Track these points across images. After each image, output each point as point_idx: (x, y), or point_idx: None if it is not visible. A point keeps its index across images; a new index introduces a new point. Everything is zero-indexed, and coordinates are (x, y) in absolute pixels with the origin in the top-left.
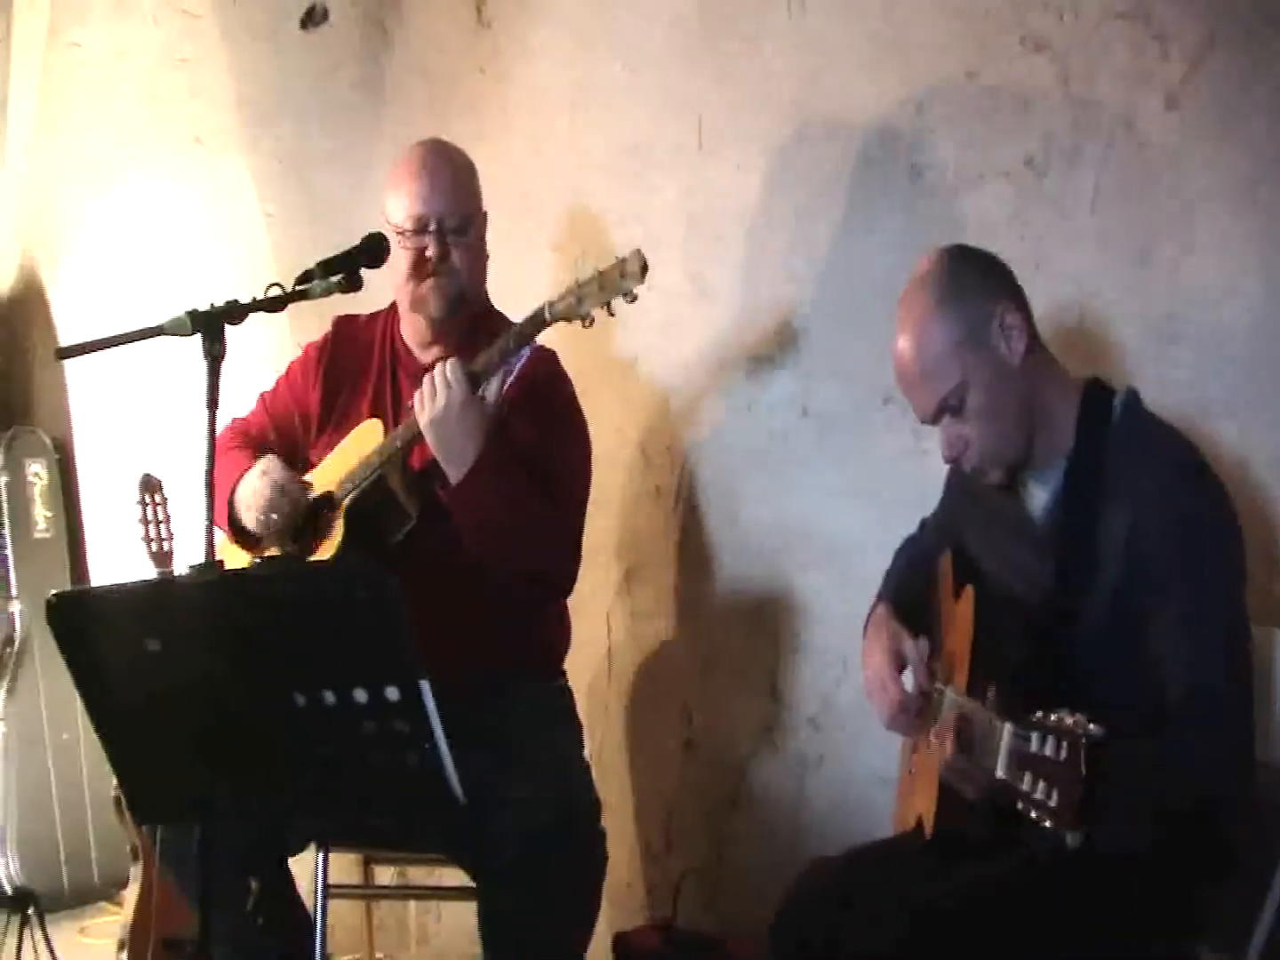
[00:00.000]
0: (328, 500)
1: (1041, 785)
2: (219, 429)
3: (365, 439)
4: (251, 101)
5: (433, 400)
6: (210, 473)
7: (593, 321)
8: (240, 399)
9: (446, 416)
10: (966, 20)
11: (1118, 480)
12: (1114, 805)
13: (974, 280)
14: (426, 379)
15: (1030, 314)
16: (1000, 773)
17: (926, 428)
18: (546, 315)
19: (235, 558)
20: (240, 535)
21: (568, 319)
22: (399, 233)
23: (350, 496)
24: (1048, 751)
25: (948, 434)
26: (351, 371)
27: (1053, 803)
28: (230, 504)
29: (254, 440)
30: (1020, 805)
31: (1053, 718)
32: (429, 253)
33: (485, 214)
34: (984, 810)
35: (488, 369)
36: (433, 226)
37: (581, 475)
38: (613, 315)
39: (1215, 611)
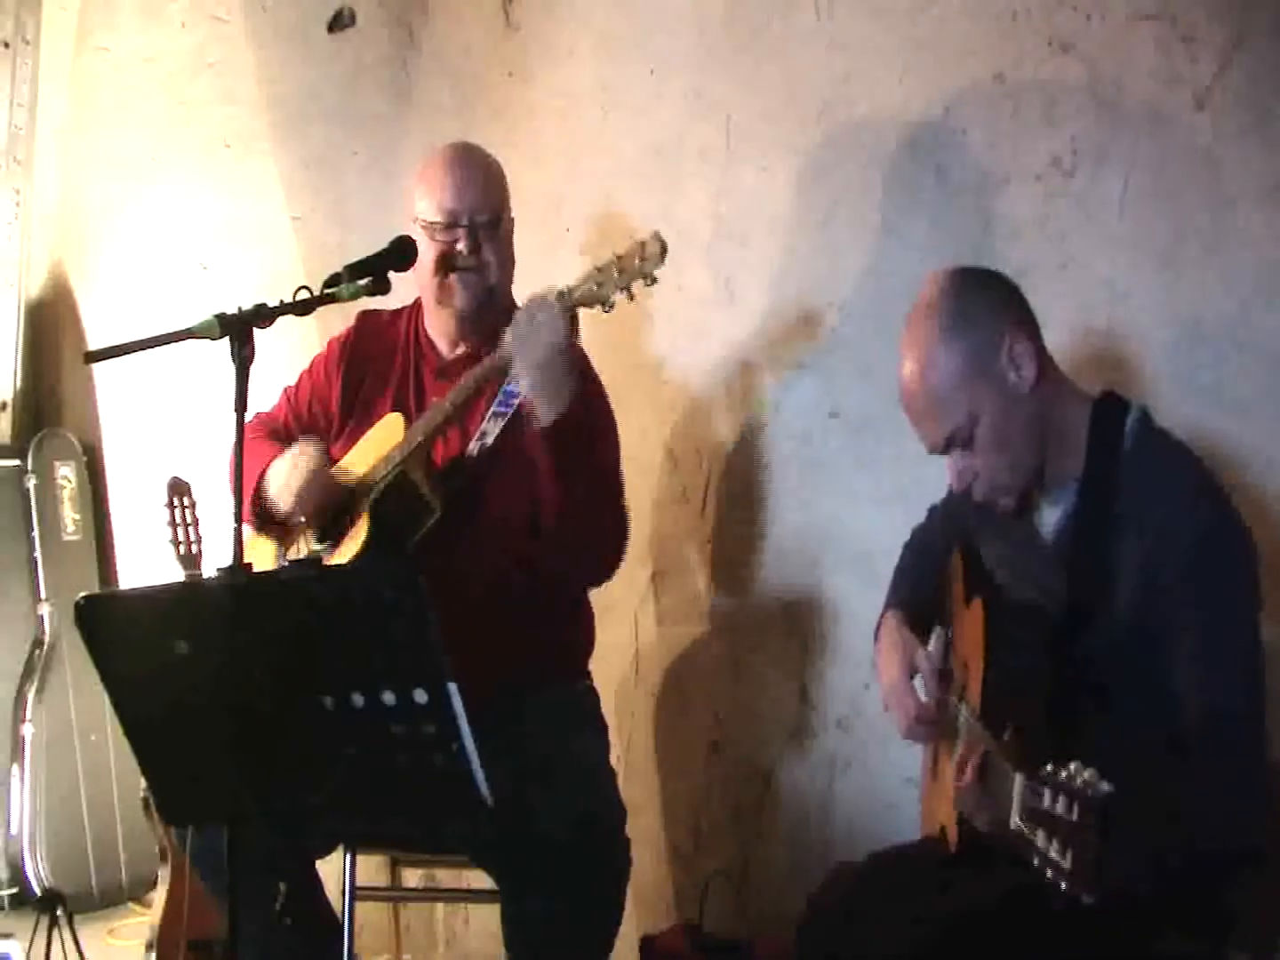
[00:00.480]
0: (352, 495)
1: (1056, 845)
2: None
3: (387, 434)
4: (279, 105)
5: (536, 332)
6: (238, 475)
7: (613, 306)
8: (268, 402)
9: (552, 348)
10: (994, 22)
11: (1130, 503)
12: (1126, 857)
13: (981, 308)
14: (522, 312)
15: (1039, 336)
16: (1015, 822)
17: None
18: (566, 302)
19: (263, 559)
20: (265, 524)
21: (587, 305)
22: (428, 227)
23: (374, 492)
24: (1059, 810)
25: (957, 466)
26: (374, 367)
27: (1067, 864)
28: (258, 491)
29: (279, 434)
30: (1036, 861)
31: (1063, 774)
32: (460, 246)
33: (513, 218)
34: (999, 848)
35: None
36: (465, 221)
37: (618, 468)
38: (633, 299)
39: (1231, 636)
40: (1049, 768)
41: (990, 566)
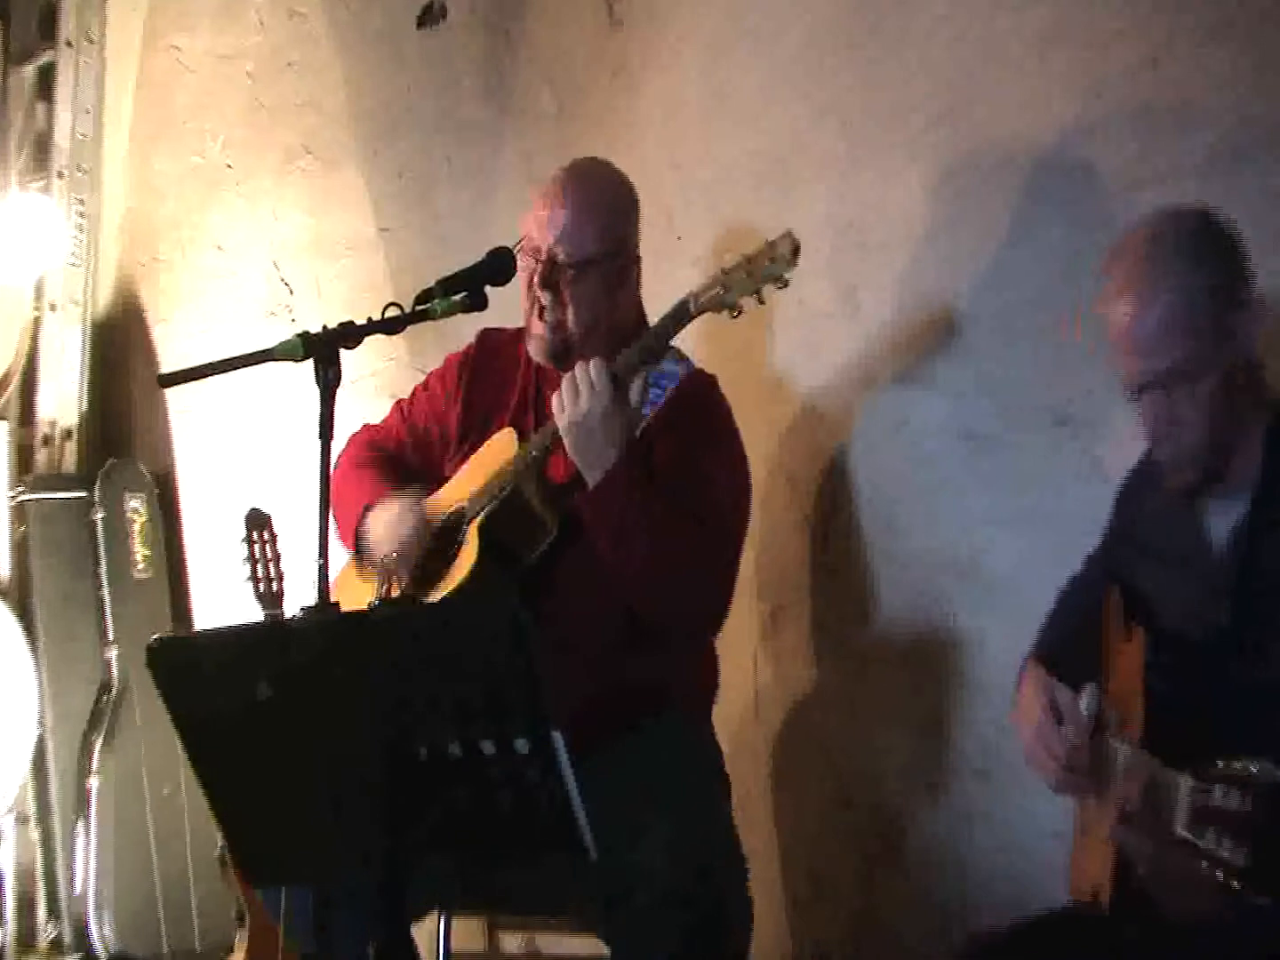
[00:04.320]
0: (459, 516)
1: (1227, 842)
2: (343, 443)
3: (499, 450)
4: (366, 110)
5: (574, 402)
6: (324, 507)
7: (741, 311)
8: (350, 428)
9: (588, 419)
10: (1145, 0)
11: None
12: None
13: (1223, 249)
14: (566, 378)
15: None
16: (1180, 829)
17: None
18: (691, 307)
19: (351, 597)
20: (362, 559)
21: (714, 310)
22: (520, 246)
23: (484, 511)
24: (1232, 804)
25: (1154, 410)
26: (494, 387)
27: (1240, 861)
28: (359, 527)
29: (390, 456)
30: (1204, 866)
31: (1236, 765)
32: (535, 279)
33: (635, 254)
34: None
35: (629, 369)
36: (543, 255)
37: (736, 503)
38: (762, 303)
39: None
40: (1220, 762)
41: (1147, 588)
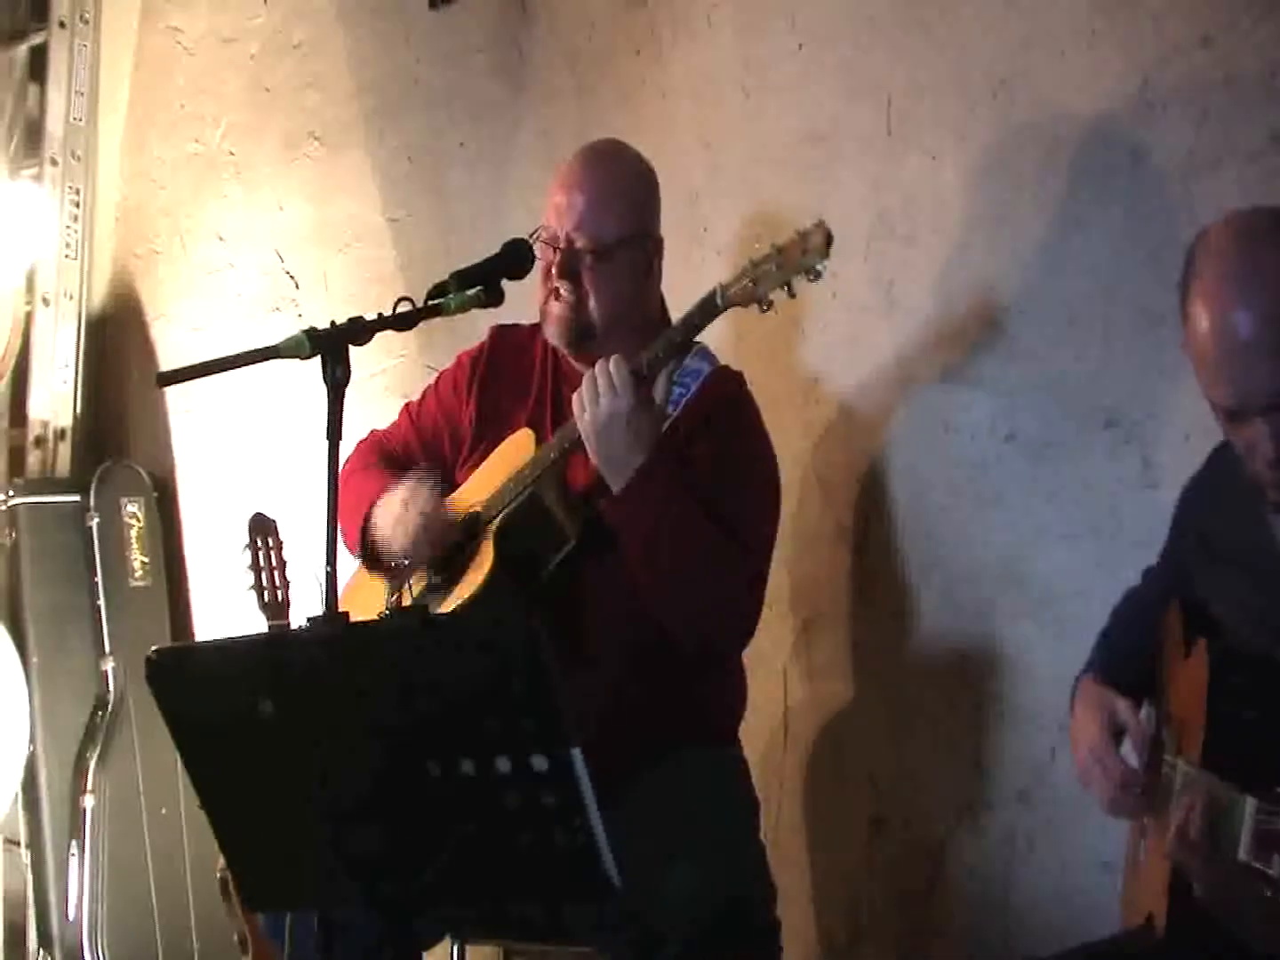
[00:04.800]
0: (474, 521)
1: None
2: (350, 448)
3: (516, 451)
4: (374, 91)
5: (595, 402)
6: (332, 512)
7: (771, 305)
8: (362, 429)
9: (612, 421)
10: None
11: None
12: None
13: None
14: (586, 378)
15: None
16: (1243, 855)
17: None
18: (719, 300)
19: (360, 608)
20: (374, 564)
21: (743, 304)
22: (539, 231)
23: (500, 516)
24: None
25: (1273, 426)
26: (510, 385)
27: None
28: (365, 526)
29: (396, 459)
30: (1270, 893)
31: None
32: (553, 268)
33: (656, 240)
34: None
35: (654, 365)
36: (562, 243)
37: (766, 510)
38: (793, 296)
39: None
40: None
41: (1212, 601)
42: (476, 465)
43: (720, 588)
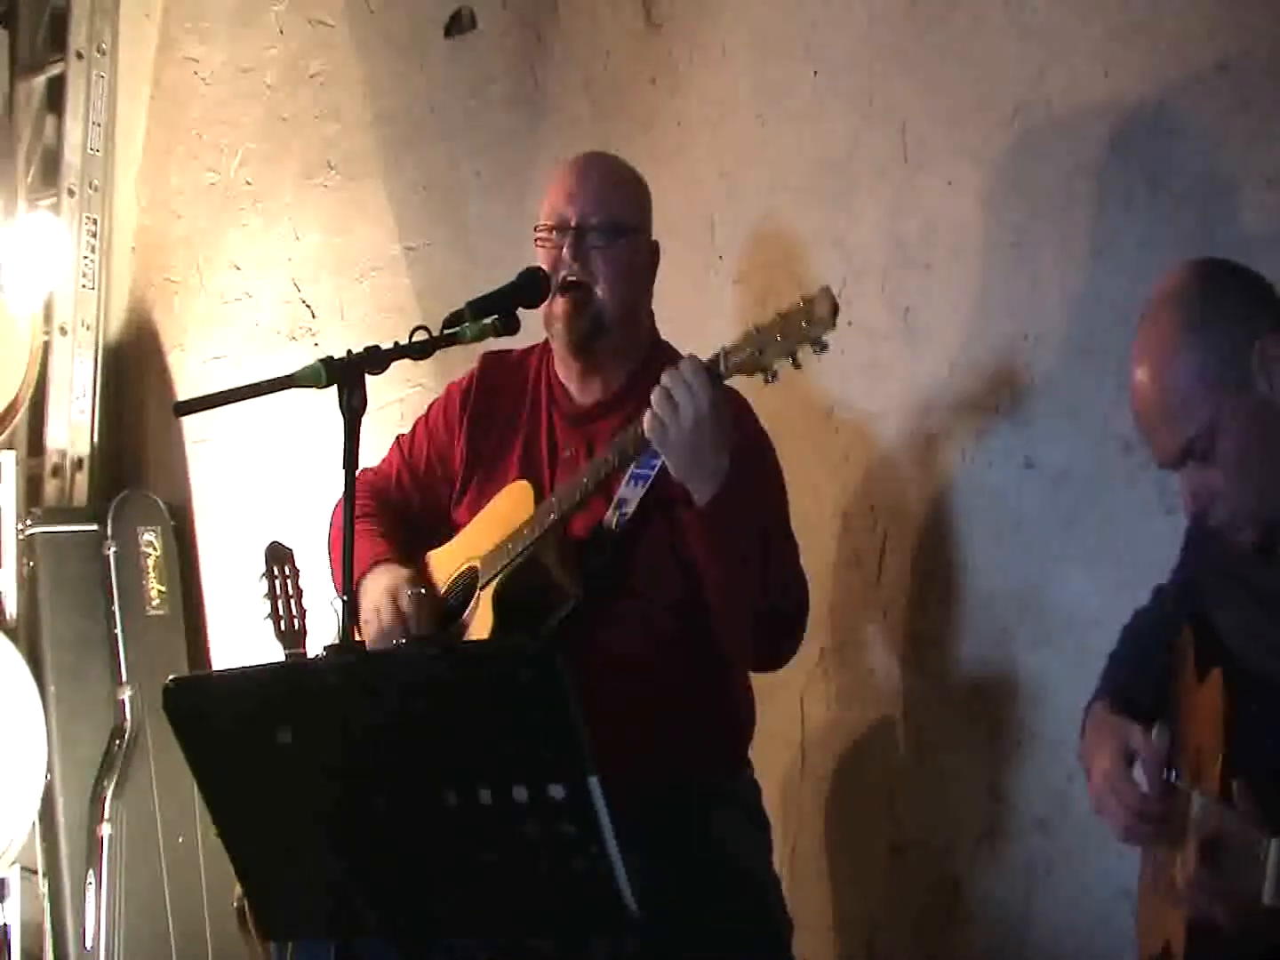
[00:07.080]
0: (471, 579)
1: None
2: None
3: (514, 505)
4: (391, 121)
5: (674, 416)
6: (347, 542)
7: (776, 376)
8: (377, 459)
9: (698, 426)
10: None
11: None
12: None
13: (1233, 302)
14: (658, 391)
15: None
16: (1270, 898)
17: (1176, 481)
18: (722, 368)
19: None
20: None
21: (746, 373)
22: (538, 233)
23: (498, 579)
24: None
25: (1191, 482)
26: (501, 415)
27: None
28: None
29: (390, 504)
30: None
31: None
32: (564, 253)
33: (653, 242)
34: (1243, 947)
35: (735, 367)
36: (572, 224)
37: (790, 529)
38: (798, 368)
39: None
40: None
41: (1227, 629)
42: (471, 505)
43: (805, 592)
